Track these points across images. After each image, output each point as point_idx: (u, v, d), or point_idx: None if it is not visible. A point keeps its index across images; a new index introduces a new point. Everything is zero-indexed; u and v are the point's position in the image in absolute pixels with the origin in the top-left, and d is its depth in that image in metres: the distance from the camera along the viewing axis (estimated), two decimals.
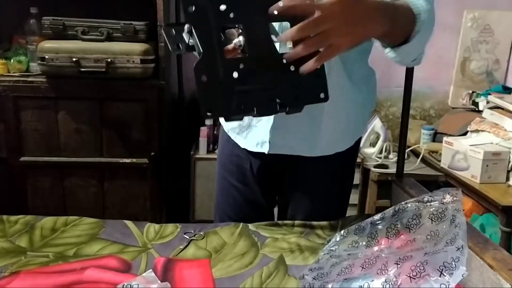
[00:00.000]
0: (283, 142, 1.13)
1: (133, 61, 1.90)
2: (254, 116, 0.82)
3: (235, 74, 0.78)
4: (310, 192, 1.21)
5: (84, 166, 1.99)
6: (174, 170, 2.28)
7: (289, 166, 1.20)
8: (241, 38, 0.80)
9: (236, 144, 1.21)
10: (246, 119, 1.16)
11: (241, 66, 0.78)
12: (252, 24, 0.78)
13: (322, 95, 0.87)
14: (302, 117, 1.09)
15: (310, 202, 1.22)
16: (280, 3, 0.74)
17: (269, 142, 1.13)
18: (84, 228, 1.09)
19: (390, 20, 0.81)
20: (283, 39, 0.74)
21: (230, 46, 0.80)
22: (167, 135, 2.12)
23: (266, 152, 1.15)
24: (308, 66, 0.77)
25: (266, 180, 1.24)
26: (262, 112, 0.83)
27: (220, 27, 0.78)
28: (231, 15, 0.76)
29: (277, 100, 0.82)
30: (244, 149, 1.20)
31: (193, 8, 0.74)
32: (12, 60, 1.98)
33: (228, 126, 1.23)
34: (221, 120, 1.25)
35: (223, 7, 0.75)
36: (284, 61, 0.79)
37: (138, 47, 1.91)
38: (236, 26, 0.82)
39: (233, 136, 1.22)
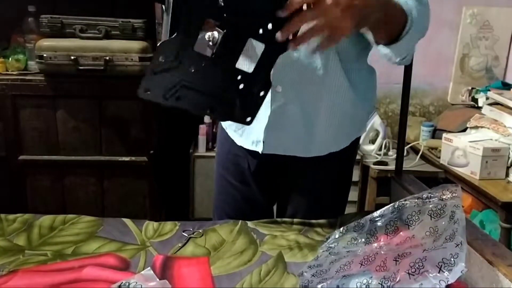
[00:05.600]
0: (278, 142, 1.12)
1: (132, 59, 1.89)
2: (183, 108, 0.81)
3: (191, 69, 0.78)
4: (309, 191, 1.21)
5: (83, 164, 1.99)
6: (173, 168, 2.27)
7: (287, 166, 1.19)
8: (215, 34, 0.78)
9: (234, 142, 1.21)
10: None
11: (203, 64, 0.78)
12: (235, 30, 0.77)
13: (248, 119, 0.86)
14: (297, 118, 1.09)
15: (308, 201, 1.21)
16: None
17: (263, 142, 1.12)
18: (82, 227, 1.09)
19: (383, 7, 0.84)
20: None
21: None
22: (166, 133, 2.12)
23: (260, 152, 1.14)
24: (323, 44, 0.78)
25: (264, 178, 1.23)
26: (190, 109, 0.82)
27: (204, 19, 0.76)
28: (224, 14, 0.75)
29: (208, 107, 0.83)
30: (242, 147, 1.19)
31: None
32: (10, 59, 1.98)
33: (226, 123, 1.23)
34: None
35: (221, 2, 0.74)
36: (238, 77, 0.80)
37: (136, 45, 1.91)
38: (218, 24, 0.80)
39: (231, 133, 1.22)
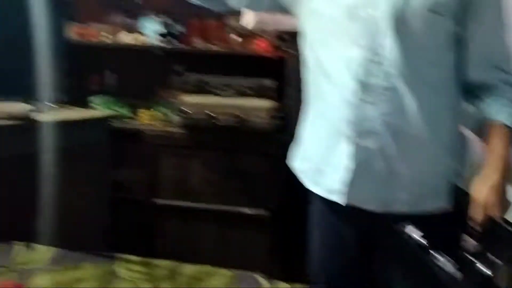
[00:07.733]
0: (361, 194, 1.02)
1: (262, 117, 1.99)
2: None
3: None
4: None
5: (208, 212, 2.10)
6: (295, 224, 2.28)
7: (376, 227, 1.06)
8: None
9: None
10: (314, 162, 1.09)
11: None
12: None
13: None
14: (382, 173, 1.01)
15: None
16: None
17: (347, 193, 1.02)
18: (219, 280, 1.14)
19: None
20: None
21: None
22: (291, 189, 2.14)
23: (344, 203, 1.02)
24: None
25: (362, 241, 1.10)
26: None
27: None
28: None
29: None
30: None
31: None
32: (156, 112, 2.19)
33: (300, 169, 1.16)
34: (293, 164, 1.19)
35: None
36: None
37: (268, 104, 2.01)
38: None
39: (303, 179, 1.13)
